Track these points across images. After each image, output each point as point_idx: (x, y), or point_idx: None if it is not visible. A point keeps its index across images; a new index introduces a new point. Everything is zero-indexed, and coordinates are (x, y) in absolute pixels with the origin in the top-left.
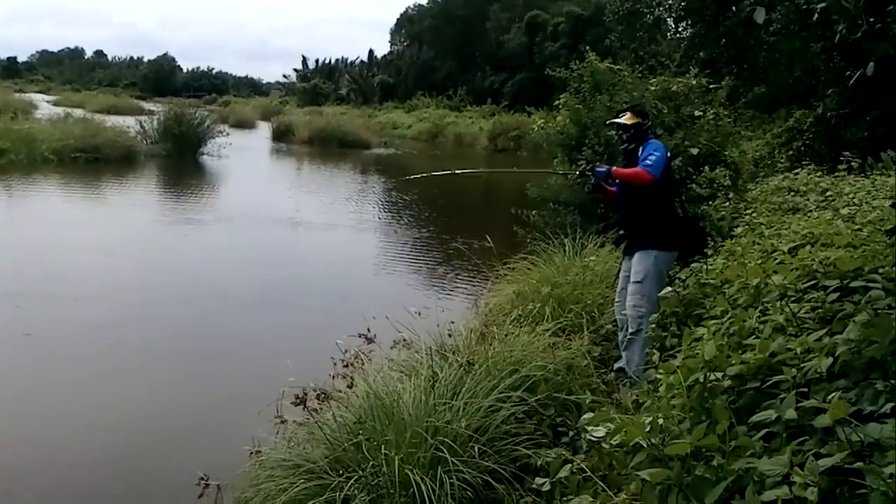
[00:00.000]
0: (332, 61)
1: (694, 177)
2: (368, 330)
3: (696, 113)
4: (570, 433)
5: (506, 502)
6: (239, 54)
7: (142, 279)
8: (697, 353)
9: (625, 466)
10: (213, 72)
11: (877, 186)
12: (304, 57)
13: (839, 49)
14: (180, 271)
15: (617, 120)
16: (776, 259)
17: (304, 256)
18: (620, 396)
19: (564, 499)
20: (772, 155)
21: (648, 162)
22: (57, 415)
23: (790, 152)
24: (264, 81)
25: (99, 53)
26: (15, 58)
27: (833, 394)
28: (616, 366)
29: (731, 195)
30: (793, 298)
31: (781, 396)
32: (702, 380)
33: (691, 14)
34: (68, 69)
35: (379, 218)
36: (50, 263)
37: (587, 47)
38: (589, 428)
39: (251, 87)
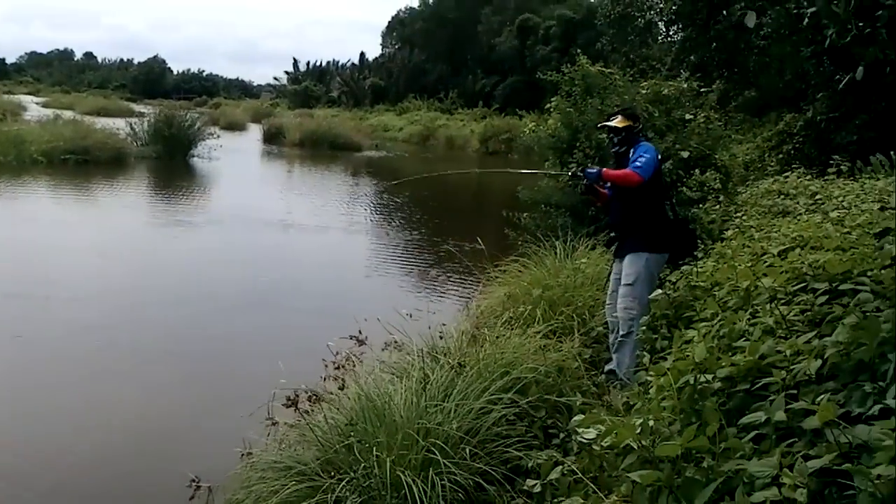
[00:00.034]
0: (323, 64)
1: (684, 180)
2: (360, 332)
3: (687, 116)
4: (561, 435)
5: None
6: (229, 56)
7: (132, 281)
8: (688, 356)
9: (615, 468)
10: (204, 74)
11: (866, 190)
12: (294, 59)
13: (829, 53)
14: (171, 273)
15: (608, 123)
16: (766, 262)
17: (296, 258)
18: (611, 398)
19: (555, 500)
20: (762, 158)
21: (638, 163)
22: (46, 416)
23: (780, 156)
24: (255, 84)
25: (89, 55)
26: (3, 59)
27: (822, 396)
28: (607, 368)
29: (721, 198)
30: (782, 301)
31: (771, 398)
32: (692, 382)
33: (682, 18)
34: (58, 71)
35: (370, 220)
36: (40, 265)
37: (578, 51)
38: (580, 430)
39: (242, 89)
